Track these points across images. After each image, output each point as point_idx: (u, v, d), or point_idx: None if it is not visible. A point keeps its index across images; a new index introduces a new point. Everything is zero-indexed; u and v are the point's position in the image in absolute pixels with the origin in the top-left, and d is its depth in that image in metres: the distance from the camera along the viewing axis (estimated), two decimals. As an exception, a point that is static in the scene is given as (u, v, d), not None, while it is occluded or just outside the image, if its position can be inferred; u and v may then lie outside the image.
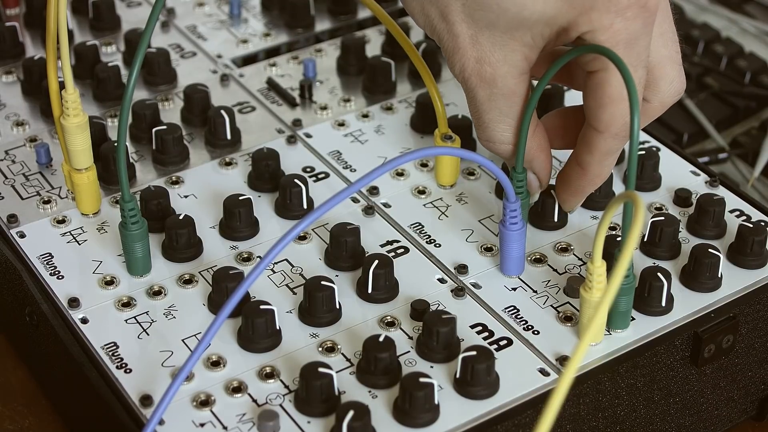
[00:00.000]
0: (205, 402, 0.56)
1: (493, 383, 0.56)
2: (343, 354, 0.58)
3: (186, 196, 0.68)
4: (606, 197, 0.66)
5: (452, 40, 0.57)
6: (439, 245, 0.64)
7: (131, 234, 0.61)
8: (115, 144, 0.59)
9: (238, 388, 0.56)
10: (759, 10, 0.99)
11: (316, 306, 0.59)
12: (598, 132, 0.57)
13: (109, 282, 0.62)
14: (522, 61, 0.57)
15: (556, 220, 0.65)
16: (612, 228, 0.65)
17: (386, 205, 0.67)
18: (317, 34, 0.82)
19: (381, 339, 0.56)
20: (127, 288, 0.62)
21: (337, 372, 0.56)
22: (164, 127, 0.70)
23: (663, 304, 0.60)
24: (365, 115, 0.74)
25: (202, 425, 0.55)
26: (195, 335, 0.59)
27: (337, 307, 0.60)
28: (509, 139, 0.59)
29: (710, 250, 0.61)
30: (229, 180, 0.69)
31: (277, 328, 0.59)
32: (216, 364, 0.58)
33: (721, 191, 0.68)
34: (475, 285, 0.62)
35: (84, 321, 0.60)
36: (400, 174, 0.69)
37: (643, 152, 0.68)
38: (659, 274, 0.60)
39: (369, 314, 0.60)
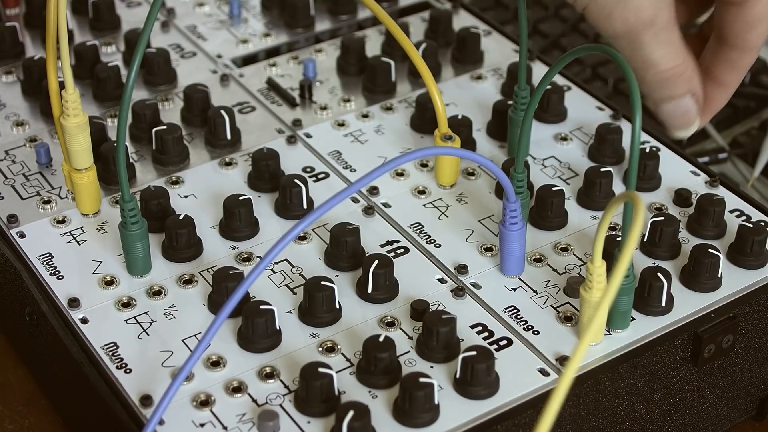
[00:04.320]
0: (205, 402, 0.56)
1: (493, 383, 0.56)
2: (343, 354, 0.58)
3: (186, 196, 0.68)
4: (606, 197, 0.66)
5: None
6: (439, 245, 0.64)
7: (131, 234, 0.61)
8: (115, 144, 0.59)
9: (238, 388, 0.56)
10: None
11: (316, 306, 0.59)
12: (744, 52, 0.61)
13: (109, 282, 0.62)
14: None
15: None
16: (612, 228, 0.65)
17: (386, 205, 0.67)
18: (317, 34, 0.82)
19: (381, 339, 0.56)
20: (127, 288, 0.62)
21: (337, 372, 0.56)
22: (164, 127, 0.70)
23: (663, 304, 0.60)
24: (365, 115, 0.74)
25: (202, 425, 0.55)
26: (195, 335, 0.59)
27: (337, 307, 0.60)
28: (680, 59, 0.61)
29: (710, 250, 0.61)
30: (229, 180, 0.69)
31: (277, 328, 0.59)
32: (216, 364, 0.58)
33: (721, 191, 0.68)
34: (475, 285, 0.62)
35: (84, 321, 0.60)
36: (400, 174, 0.69)
37: (643, 152, 0.68)
38: (659, 274, 0.60)
39: (369, 314, 0.60)
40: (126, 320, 0.60)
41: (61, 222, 0.66)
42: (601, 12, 0.60)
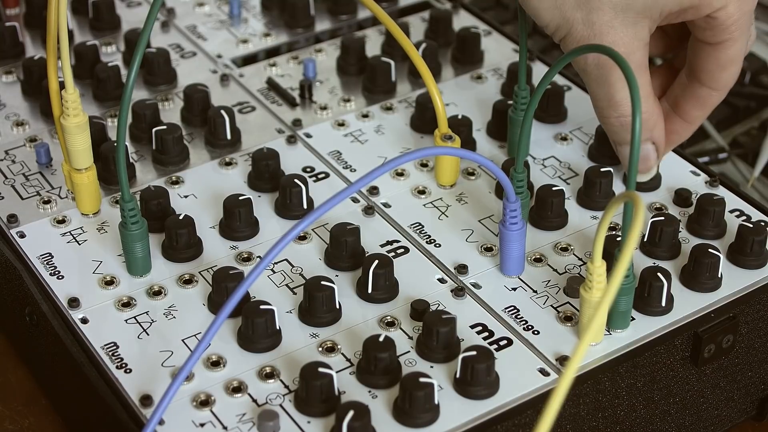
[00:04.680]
0: (205, 402, 0.56)
1: (493, 383, 0.56)
2: (343, 354, 0.58)
3: (186, 196, 0.68)
4: (606, 197, 0.66)
5: (587, 29, 0.60)
6: (439, 245, 0.64)
7: (131, 234, 0.61)
8: (115, 144, 0.59)
9: (238, 388, 0.56)
10: (759, 10, 0.99)
11: (316, 306, 0.59)
12: (713, 90, 0.63)
13: (109, 282, 0.62)
14: (647, 35, 0.61)
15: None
16: (612, 228, 0.65)
17: (386, 205, 0.67)
18: (317, 34, 0.82)
19: (381, 339, 0.56)
20: (127, 288, 0.62)
21: (337, 372, 0.56)
22: (164, 127, 0.70)
23: (663, 304, 0.60)
24: (365, 115, 0.74)
25: (202, 425, 0.55)
26: (195, 335, 0.59)
27: (337, 307, 0.60)
28: (646, 107, 0.62)
29: (710, 250, 0.61)
30: (229, 180, 0.69)
31: (277, 328, 0.59)
32: (216, 364, 0.58)
33: (721, 191, 0.68)
34: (475, 285, 0.62)
35: (84, 321, 0.60)
36: (400, 174, 0.69)
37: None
38: (659, 274, 0.60)
39: (369, 314, 0.60)
40: (126, 320, 0.60)
41: (61, 222, 0.66)
42: (576, 44, 0.61)
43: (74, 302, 0.61)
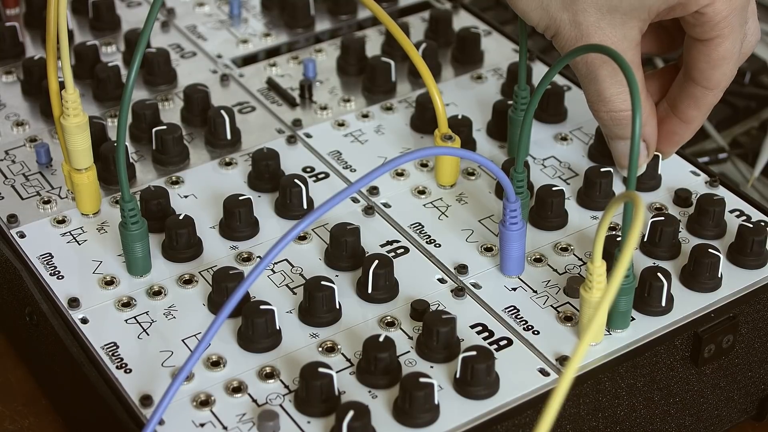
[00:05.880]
0: (205, 402, 0.56)
1: (493, 383, 0.56)
2: (343, 354, 0.58)
3: (186, 196, 0.68)
4: (606, 197, 0.66)
5: (574, 29, 0.61)
6: (439, 245, 0.64)
7: (131, 234, 0.61)
8: (115, 144, 0.59)
9: (238, 388, 0.56)
10: (759, 10, 0.99)
11: (316, 306, 0.59)
12: (707, 90, 0.62)
13: (109, 282, 0.62)
14: (638, 34, 0.61)
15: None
16: (612, 228, 0.65)
17: (386, 205, 0.67)
18: (317, 34, 0.82)
19: (381, 339, 0.56)
20: (127, 288, 0.62)
21: (337, 372, 0.56)
22: (164, 127, 0.70)
23: (663, 304, 0.60)
24: (365, 115, 0.74)
25: (202, 425, 0.55)
26: (195, 335, 0.59)
27: (337, 307, 0.60)
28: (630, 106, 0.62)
29: (710, 250, 0.61)
30: (229, 180, 0.69)
31: (277, 328, 0.59)
32: (216, 364, 0.58)
33: (721, 191, 0.68)
34: (475, 285, 0.62)
35: (84, 321, 0.60)
36: (400, 174, 0.69)
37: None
38: (659, 274, 0.60)
39: (369, 314, 0.60)
40: (126, 320, 0.60)
41: (61, 222, 0.66)
42: (566, 44, 0.61)
43: (74, 302, 0.61)
